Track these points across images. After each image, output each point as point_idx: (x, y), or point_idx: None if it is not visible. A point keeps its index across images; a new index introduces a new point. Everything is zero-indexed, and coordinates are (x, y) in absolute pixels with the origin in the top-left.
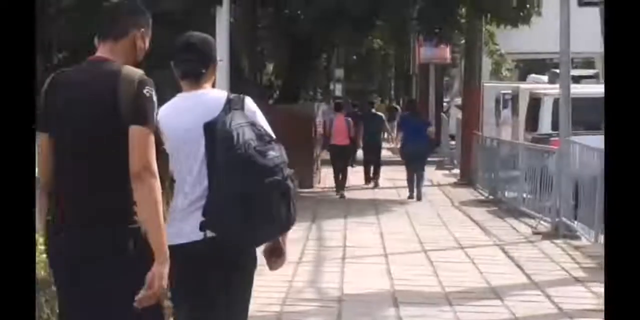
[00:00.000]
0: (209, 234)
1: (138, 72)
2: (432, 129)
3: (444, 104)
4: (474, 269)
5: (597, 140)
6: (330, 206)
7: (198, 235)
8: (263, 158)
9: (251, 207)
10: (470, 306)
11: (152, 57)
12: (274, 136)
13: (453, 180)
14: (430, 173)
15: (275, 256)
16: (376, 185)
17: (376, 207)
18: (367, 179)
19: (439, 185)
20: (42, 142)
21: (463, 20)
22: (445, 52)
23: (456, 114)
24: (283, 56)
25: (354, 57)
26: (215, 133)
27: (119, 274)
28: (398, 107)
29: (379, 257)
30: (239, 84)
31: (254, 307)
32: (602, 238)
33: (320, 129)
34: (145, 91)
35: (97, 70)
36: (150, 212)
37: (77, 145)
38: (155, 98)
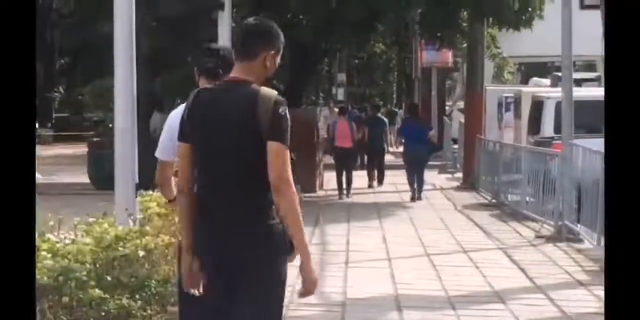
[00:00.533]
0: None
1: (274, 93)
2: (432, 133)
3: (447, 107)
4: (477, 272)
5: (599, 143)
6: (333, 210)
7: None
8: None
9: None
10: (474, 310)
11: (157, 61)
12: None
13: (456, 184)
14: (433, 177)
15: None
16: (380, 184)
17: (379, 211)
18: (371, 180)
19: (441, 189)
20: (182, 151)
21: (465, 24)
22: (448, 56)
23: (459, 118)
24: (285, 61)
25: (356, 61)
26: None
27: (264, 267)
28: (398, 111)
29: (382, 261)
30: None
31: None
32: (604, 241)
33: (324, 133)
34: (280, 110)
35: (237, 89)
36: (292, 219)
37: (222, 154)
38: (288, 116)
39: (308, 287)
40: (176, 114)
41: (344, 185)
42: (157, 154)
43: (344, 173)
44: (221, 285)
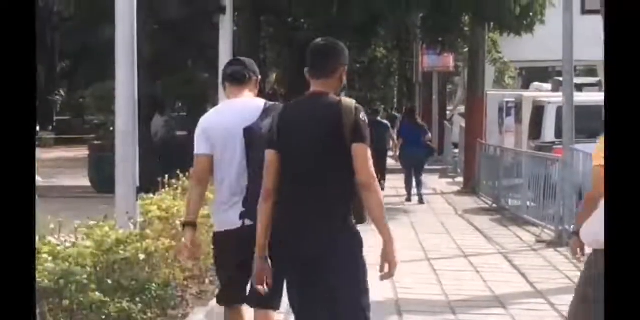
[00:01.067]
0: (247, 222)
1: (353, 102)
2: (429, 137)
3: (447, 112)
4: (477, 277)
5: None
6: None
7: (238, 223)
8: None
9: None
10: (474, 315)
11: (158, 64)
12: None
13: (456, 188)
14: (434, 181)
15: None
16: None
17: None
18: None
19: (442, 193)
20: (271, 158)
21: (466, 29)
22: (449, 61)
23: (460, 122)
24: (286, 64)
25: (357, 65)
26: (253, 136)
27: (353, 261)
28: (397, 115)
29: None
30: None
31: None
32: None
33: None
34: (361, 116)
35: (320, 101)
36: (380, 211)
37: (309, 157)
38: (367, 121)
39: (391, 270)
40: (209, 114)
41: None
42: (198, 151)
43: None
44: (305, 271)
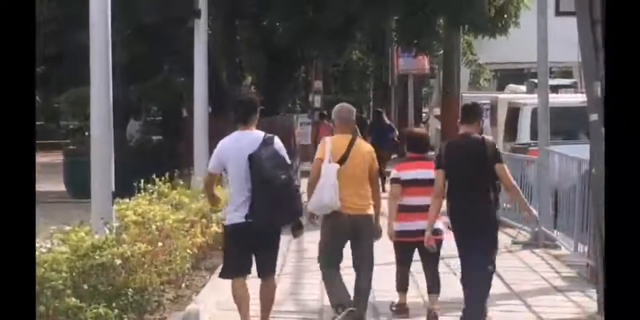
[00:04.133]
0: (249, 219)
1: (490, 137)
2: (395, 134)
3: (423, 114)
4: (454, 279)
5: (576, 149)
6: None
7: (243, 220)
8: (280, 178)
9: (275, 206)
10: (451, 316)
11: (133, 69)
12: (288, 162)
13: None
14: None
15: (296, 229)
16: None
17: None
18: None
19: None
20: (440, 174)
21: (441, 31)
22: (424, 63)
23: (435, 125)
24: (262, 68)
25: (333, 68)
26: (254, 160)
27: (494, 235)
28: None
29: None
30: (218, 96)
31: (234, 319)
32: (581, 247)
33: (300, 140)
34: (496, 146)
35: (472, 139)
36: (518, 193)
37: (467, 174)
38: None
39: (532, 214)
40: (225, 141)
41: None
42: (210, 167)
43: None
44: (471, 241)
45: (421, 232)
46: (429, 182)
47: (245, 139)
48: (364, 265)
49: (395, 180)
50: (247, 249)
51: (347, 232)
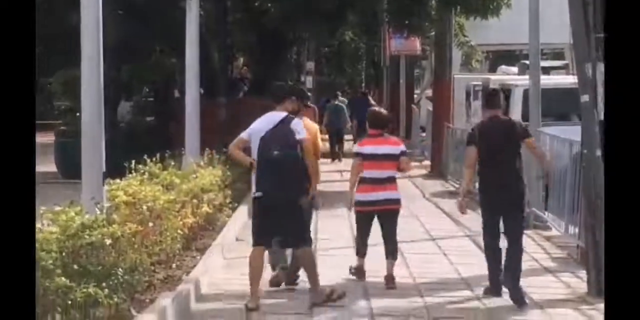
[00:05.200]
0: (258, 194)
1: (516, 120)
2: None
3: (415, 95)
4: (444, 260)
5: (566, 131)
6: None
7: (260, 193)
8: (285, 156)
9: (278, 182)
10: (441, 297)
11: (124, 49)
12: (300, 139)
13: (424, 171)
14: None
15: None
16: (339, 159)
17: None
18: (334, 157)
19: (409, 177)
20: (472, 150)
21: (433, 12)
22: (416, 44)
23: (427, 106)
24: (254, 49)
25: (325, 49)
26: (263, 141)
27: (521, 202)
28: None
29: (350, 249)
30: (209, 77)
31: (225, 300)
32: (572, 228)
33: None
34: (523, 125)
35: (503, 120)
36: (548, 161)
37: (498, 151)
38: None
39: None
40: (259, 118)
41: None
42: (242, 135)
43: None
44: (502, 209)
45: (380, 202)
46: (387, 157)
47: (271, 119)
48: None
49: (356, 155)
50: (266, 220)
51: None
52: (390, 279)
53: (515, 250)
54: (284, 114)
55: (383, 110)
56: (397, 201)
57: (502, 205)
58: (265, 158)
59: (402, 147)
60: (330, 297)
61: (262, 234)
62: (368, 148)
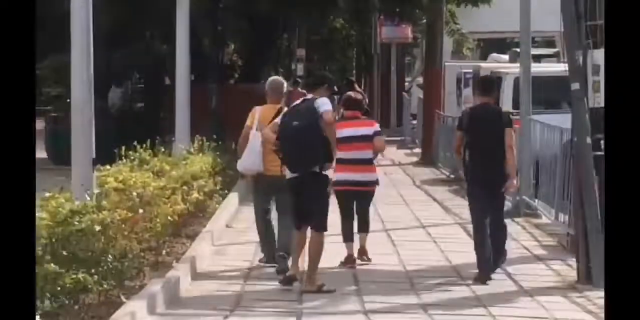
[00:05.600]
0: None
1: (504, 110)
2: (366, 101)
3: (406, 83)
4: (435, 247)
5: (557, 119)
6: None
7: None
8: (301, 130)
9: (303, 155)
10: (432, 285)
11: (116, 36)
12: (322, 111)
13: (414, 159)
14: (392, 152)
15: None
16: None
17: None
18: None
19: (400, 164)
20: (459, 135)
21: (424, 0)
22: (407, 32)
23: (418, 94)
24: (244, 36)
25: (316, 36)
26: (284, 123)
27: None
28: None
29: (340, 236)
30: (200, 64)
31: (214, 286)
32: (562, 216)
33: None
34: (508, 115)
35: (487, 107)
36: (512, 158)
37: (484, 136)
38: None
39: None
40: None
41: None
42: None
43: None
44: (487, 189)
45: (356, 183)
46: (362, 138)
47: (300, 104)
48: (285, 220)
49: None
50: (296, 201)
51: (268, 189)
52: (363, 251)
53: (498, 225)
54: (309, 95)
55: (359, 95)
56: (373, 183)
57: (486, 182)
58: (285, 137)
59: (376, 128)
60: (320, 289)
61: (294, 215)
62: (344, 131)
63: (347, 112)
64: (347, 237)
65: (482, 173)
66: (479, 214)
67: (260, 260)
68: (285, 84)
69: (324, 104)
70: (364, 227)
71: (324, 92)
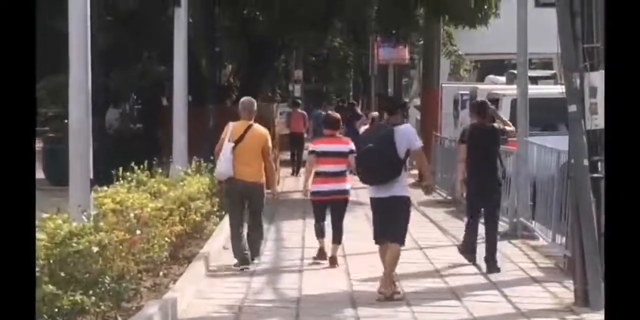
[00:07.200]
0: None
1: (498, 128)
2: (361, 121)
3: None
4: (432, 269)
5: (554, 141)
6: (289, 207)
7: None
8: (381, 153)
9: (376, 173)
10: (429, 306)
11: (112, 56)
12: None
13: (411, 180)
14: None
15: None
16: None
17: (303, 190)
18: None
19: None
20: (462, 148)
21: (421, 21)
22: (404, 53)
23: (415, 115)
24: (242, 57)
25: (313, 58)
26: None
27: (497, 191)
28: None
29: (337, 257)
30: (198, 85)
31: (210, 308)
32: (559, 238)
33: (280, 129)
34: (500, 136)
35: (488, 127)
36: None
37: (480, 148)
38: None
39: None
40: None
41: (295, 164)
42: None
43: (296, 152)
44: (479, 193)
45: (332, 193)
46: (338, 154)
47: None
48: (253, 219)
49: (311, 152)
50: (380, 218)
51: (240, 194)
52: (333, 260)
53: (491, 225)
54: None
55: (337, 114)
56: (345, 192)
57: (482, 189)
58: (361, 153)
59: (351, 146)
60: (392, 297)
61: (375, 230)
62: (321, 146)
63: (326, 130)
64: (320, 235)
65: (479, 179)
66: (472, 211)
67: (235, 265)
68: (255, 103)
69: (417, 139)
70: (338, 238)
71: (399, 117)
